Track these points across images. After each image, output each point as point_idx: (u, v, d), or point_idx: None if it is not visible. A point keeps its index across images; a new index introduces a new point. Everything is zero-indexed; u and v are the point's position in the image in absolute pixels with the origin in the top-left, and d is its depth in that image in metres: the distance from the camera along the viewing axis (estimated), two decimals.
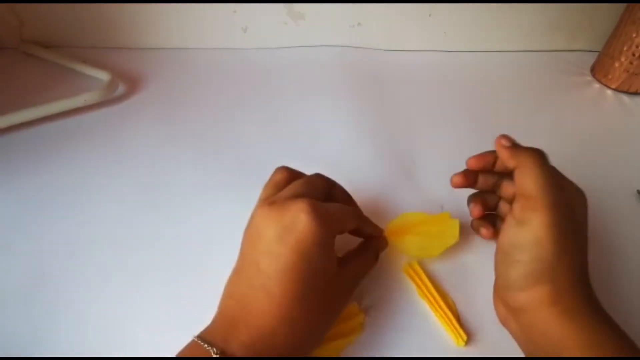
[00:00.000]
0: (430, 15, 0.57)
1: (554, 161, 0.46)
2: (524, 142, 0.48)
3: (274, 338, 0.25)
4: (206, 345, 0.24)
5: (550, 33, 0.60)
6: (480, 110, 0.52)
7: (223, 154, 0.46)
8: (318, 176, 0.32)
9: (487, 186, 0.34)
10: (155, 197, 0.41)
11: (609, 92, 0.55)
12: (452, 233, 0.36)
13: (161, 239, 0.38)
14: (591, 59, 0.59)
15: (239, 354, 0.24)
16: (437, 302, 0.33)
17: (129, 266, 0.36)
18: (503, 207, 0.34)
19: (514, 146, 0.30)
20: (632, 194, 0.43)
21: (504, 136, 0.31)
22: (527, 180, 0.27)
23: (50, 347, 0.31)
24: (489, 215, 0.34)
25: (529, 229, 0.26)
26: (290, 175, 0.32)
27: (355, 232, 0.33)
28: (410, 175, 0.44)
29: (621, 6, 0.53)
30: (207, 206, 0.41)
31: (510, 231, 0.27)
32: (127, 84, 0.53)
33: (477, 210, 0.33)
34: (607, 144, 0.49)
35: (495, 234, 0.32)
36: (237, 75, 0.56)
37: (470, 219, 0.34)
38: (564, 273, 0.26)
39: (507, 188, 0.33)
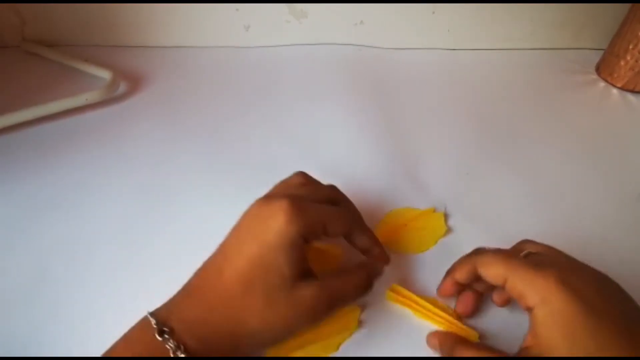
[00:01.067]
0: (433, 12, 0.56)
1: (557, 160, 0.46)
2: (527, 141, 0.48)
3: (211, 314, 0.26)
4: (151, 317, 0.26)
5: (555, 31, 0.59)
6: (484, 108, 0.52)
7: (225, 153, 0.45)
8: (329, 186, 0.32)
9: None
10: (156, 197, 0.41)
11: (614, 91, 0.55)
12: (440, 225, 0.38)
13: (162, 239, 0.38)
14: (596, 57, 0.58)
15: (175, 325, 0.25)
16: (438, 316, 0.32)
17: (130, 266, 0.36)
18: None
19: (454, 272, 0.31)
20: (636, 196, 0.42)
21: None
22: (491, 273, 0.27)
23: (51, 347, 0.31)
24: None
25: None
26: (304, 180, 0.32)
27: (350, 241, 0.32)
28: (413, 174, 0.43)
29: (626, 4, 0.53)
30: (209, 206, 0.40)
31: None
32: (128, 82, 0.53)
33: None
34: (611, 143, 0.48)
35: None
36: (239, 74, 0.56)
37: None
38: None
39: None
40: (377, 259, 0.33)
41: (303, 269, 0.27)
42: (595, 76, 0.57)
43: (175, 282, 0.34)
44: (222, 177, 0.43)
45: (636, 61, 0.52)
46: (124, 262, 0.36)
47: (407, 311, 0.33)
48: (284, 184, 0.32)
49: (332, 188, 0.33)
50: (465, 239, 0.37)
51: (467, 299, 0.32)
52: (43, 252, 0.36)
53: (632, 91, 0.54)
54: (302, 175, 0.32)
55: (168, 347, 0.24)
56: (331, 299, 0.28)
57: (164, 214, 0.40)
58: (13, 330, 0.32)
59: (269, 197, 0.29)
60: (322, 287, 0.28)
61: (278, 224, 0.26)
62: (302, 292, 0.27)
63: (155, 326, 0.25)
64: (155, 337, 0.25)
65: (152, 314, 0.26)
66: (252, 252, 0.26)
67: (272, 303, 0.26)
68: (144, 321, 0.26)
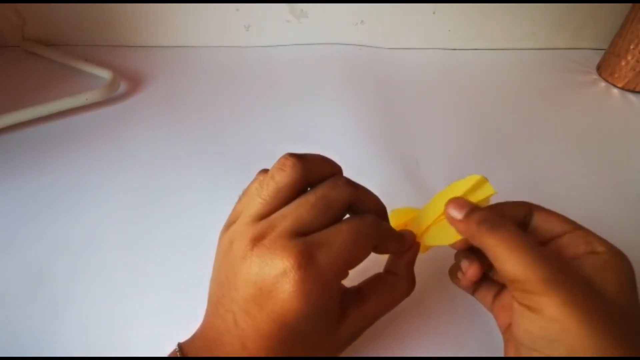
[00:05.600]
0: (434, 12, 0.56)
1: (557, 160, 0.46)
2: (528, 141, 0.48)
3: None
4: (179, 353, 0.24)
5: (556, 31, 0.59)
6: (484, 109, 0.52)
7: (225, 153, 0.45)
8: (338, 189, 0.24)
9: None
10: (156, 196, 0.41)
11: (615, 91, 0.55)
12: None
13: (163, 239, 0.38)
14: (597, 57, 0.58)
15: None
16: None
17: (131, 266, 0.36)
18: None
19: (470, 217, 0.24)
20: (636, 196, 0.42)
21: (454, 202, 0.25)
22: (509, 265, 0.22)
23: (53, 347, 0.31)
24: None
25: (545, 315, 0.21)
26: (301, 179, 0.24)
27: (377, 251, 0.26)
28: (413, 174, 0.43)
29: (627, 4, 0.53)
30: (209, 205, 0.40)
31: (524, 321, 0.22)
32: (128, 82, 0.53)
33: (472, 270, 0.26)
34: (612, 143, 0.48)
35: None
36: (240, 74, 0.56)
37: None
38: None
39: None
40: (409, 251, 0.28)
41: (340, 310, 0.24)
42: (596, 76, 0.57)
43: (177, 281, 0.35)
44: (222, 177, 0.43)
45: (637, 61, 0.52)
46: (124, 262, 0.36)
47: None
48: (275, 191, 0.24)
49: (340, 191, 0.24)
50: None
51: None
52: (43, 252, 0.36)
53: (633, 91, 0.54)
54: (296, 167, 0.24)
55: None
56: (377, 318, 0.26)
57: (164, 213, 0.40)
58: (14, 330, 0.32)
59: (266, 244, 0.22)
60: (366, 316, 0.25)
61: (289, 301, 0.21)
62: (346, 332, 0.24)
63: None
64: None
65: (182, 353, 0.24)
66: (272, 330, 0.22)
67: (317, 353, 0.24)
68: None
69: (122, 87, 0.52)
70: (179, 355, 0.24)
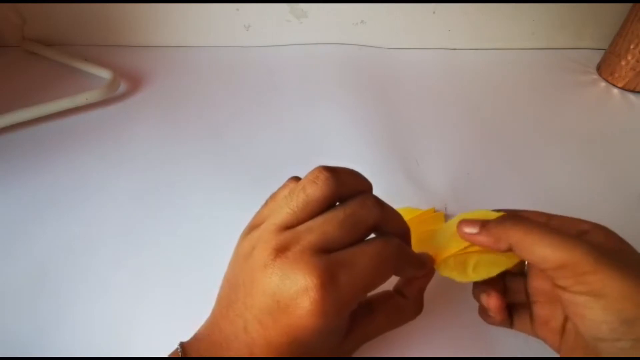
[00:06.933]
0: (434, 12, 0.56)
1: (557, 160, 0.46)
2: (528, 141, 0.48)
3: None
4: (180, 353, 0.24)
5: (556, 31, 0.59)
6: (484, 108, 0.52)
7: (226, 152, 0.45)
8: (367, 208, 0.24)
9: None
10: (157, 197, 0.41)
11: (615, 90, 0.55)
12: (440, 224, 0.36)
13: (164, 239, 0.38)
14: (597, 57, 0.58)
15: None
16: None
17: (132, 266, 0.36)
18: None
19: (487, 225, 0.24)
20: (637, 196, 0.42)
21: (465, 223, 0.25)
22: (550, 252, 0.21)
23: (53, 347, 0.31)
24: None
25: (611, 296, 0.20)
26: (332, 194, 0.23)
27: (395, 274, 0.25)
28: (413, 174, 0.43)
29: (627, 3, 0.53)
30: (209, 205, 0.40)
31: (595, 313, 0.20)
32: (128, 82, 0.53)
33: (493, 300, 0.26)
34: (612, 143, 0.48)
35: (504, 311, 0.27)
36: (240, 74, 0.56)
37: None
38: None
39: None
40: (424, 277, 0.28)
41: (348, 325, 0.25)
42: (596, 76, 0.57)
43: (177, 281, 0.35)
44: (222, 177, 0.43)
45: (637, 61, 0.52)
46: (124, 262, 0.36)
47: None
48: (304, 203, 0.23)
49: (370, 210, 0.24)
50: None
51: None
52: (43, 252, 0.36)
53: (633, 91, 0.54)
54: (329, 182, 0.23)
55: None
56: (379, 335, 0.27)
57: (164, 213, 0.40)
58: (14, 330, 0.32)
59: (289, 256, 0.21)
60: (370, 333, 0.26)
61: (309, 321, 0.21)
62: (349, 345, 0.25)
63: None
64: None
65: (184, 353, 0.24)
66: (282, 342, 0.22)
67: None
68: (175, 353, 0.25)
69: (122, 87, 0.52)
70: (180, 355, 0.24)
